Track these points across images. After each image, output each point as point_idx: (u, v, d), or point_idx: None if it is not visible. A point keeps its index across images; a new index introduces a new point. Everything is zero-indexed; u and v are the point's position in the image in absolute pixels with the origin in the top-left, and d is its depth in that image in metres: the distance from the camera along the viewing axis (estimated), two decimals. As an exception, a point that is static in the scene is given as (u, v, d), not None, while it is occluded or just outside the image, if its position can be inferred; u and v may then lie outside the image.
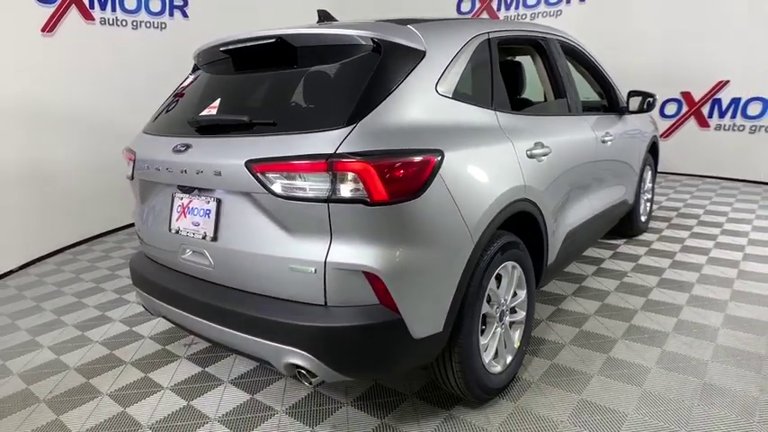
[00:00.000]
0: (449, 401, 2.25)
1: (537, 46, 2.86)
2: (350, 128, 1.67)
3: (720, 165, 6.43)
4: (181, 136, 2.04)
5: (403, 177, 1.66)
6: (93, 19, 5.10)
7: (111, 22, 5.26)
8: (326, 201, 1.63)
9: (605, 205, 3.33)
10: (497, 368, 2.21)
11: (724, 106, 6.33)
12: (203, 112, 2.00)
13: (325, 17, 2.47)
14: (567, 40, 3.18)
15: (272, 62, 2.08)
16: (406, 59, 1.87)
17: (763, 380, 2.30)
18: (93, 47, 5.12)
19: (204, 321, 1.98)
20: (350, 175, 1.60)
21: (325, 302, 1.73)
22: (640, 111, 3.62)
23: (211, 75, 2.35)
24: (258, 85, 2.20)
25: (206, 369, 2.66)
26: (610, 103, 3.62)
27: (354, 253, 1.65)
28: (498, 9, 7.80)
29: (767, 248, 3.97)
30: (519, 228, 2.27)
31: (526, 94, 3.00)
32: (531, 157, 2.28)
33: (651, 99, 3.63)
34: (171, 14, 5.72)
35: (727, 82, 6.24)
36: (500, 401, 2.24)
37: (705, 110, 6.48)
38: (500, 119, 2.22)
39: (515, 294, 2.32)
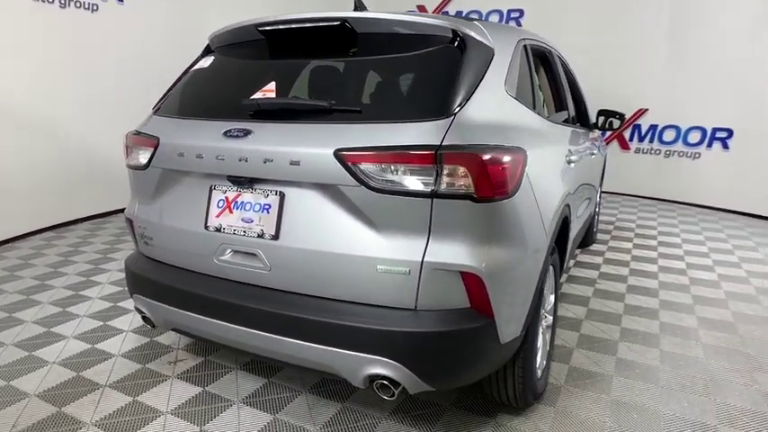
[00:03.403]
0: (489, 409, 2.19)
1: (543, 57, 2.96)
2: (449, 120, 1.57)
3: (638, 184, 7.15)
4: (230, 119, 1.79)
5: (506, 173, 1.60)
6: (15, -8, 4.43)
7: None
8: (431, 195, 1.51)
9: (587, 215, 3.52)
10: (538, 372, 2.20)
11: (643, 132, 7.07)
12: (257, 96, 1.77)
13: (360, 6, 2.34)
14: (558, 52, 3.33)
15: (329, 46, 1.91)
16: (485, 55, 1.82)
17: (755, 372, 2.54)
18: (14, 25, 4.45)
19: (252, 331, 1.73)
20: (459, 169, 1.50)
21: (416, 306, 1.59)
22: (608, 128, 3.89)
23: (246, 57, 2.10)
24: (315, 69, 2.01)
25: (207, 389, 2.34)
26: (580, 117, 3.85)
27: (455, 252, 1.55)
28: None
29: (702, 258, 4.46)
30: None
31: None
32: (568, 162, 2.34)
33: (619, 118, 3.90)
34: None
35: (647, 110, 6.99)
36: (539, 407, 2.23)
37: (627, 134, 7.20)
38: (544, 123, 2.25)
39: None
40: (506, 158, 1.61)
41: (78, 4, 4.96)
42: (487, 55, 1.84)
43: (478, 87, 1.72)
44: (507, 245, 1.64)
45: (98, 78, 5.26)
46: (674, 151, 6.85)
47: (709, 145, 6.55)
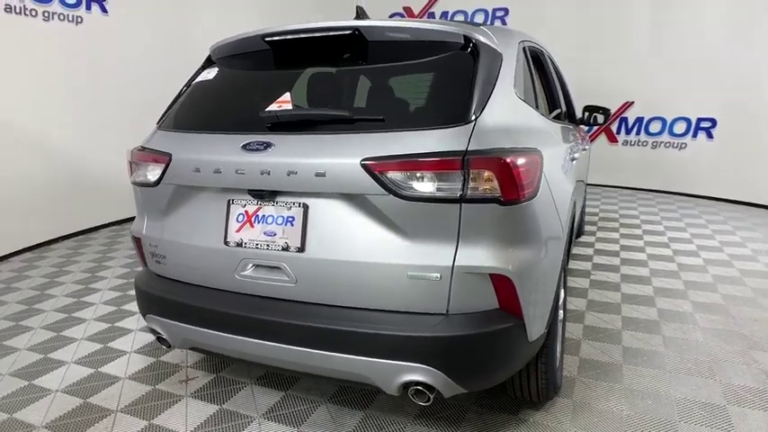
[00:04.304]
0: (510, 406, 2.22)
1: (537, 57, 3.01)
2: (470, 125, 1.59)
3: (625, 176, 7.26)
4: (247, 132, 1.76)
5: (529, 175, 1.62)
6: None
7: (18, 11, 4.47)
8: (459, 200, 1.52)
9: (580, 208, 3.60)
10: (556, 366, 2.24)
11: (630, 124, 7.19)
12: (272, 108, 1.75)
13: (362, 14, 2.33)
14: (548, 51, 3.40)
15: (339, 56, 1.91)
16: (495, 60, 1.84)
17: (752, 351, 2.65)
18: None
19: (281, 346, 1.71)
20: (485, 173, 1.52)
21: (447, 311, 1.60)
22: (593, 123, 3.99)
23: (253, 68, 2.07)
24: (327, 78, 1.99)
25: (224, 406, 2.30)
26: (568, 113, 3.93)
27: (484, 255, 1.56)
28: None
29: (686, 244, 4.62)
30: None
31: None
32: (572, 160, 2.39)
33: (603, 113, 4.00)
34: (88, 8, 5.05)
35: (632, 103, 7.11)
36: (558, 400, 2.27)
37: (614, 127, 7.31)
38: (547, 123, 2.29)
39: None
40: (528, 160, 1.64)
41: (62, 17, 4.86)
42: (497, 59, 1.87)
43: (493, 92, 1.74)
44: (532, 245, 1.66)
45: (83, 92, 5.17)
46: (661, 142, 6.98)
47: (695, 135, 6.70)
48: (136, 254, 2.26)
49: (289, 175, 1.64)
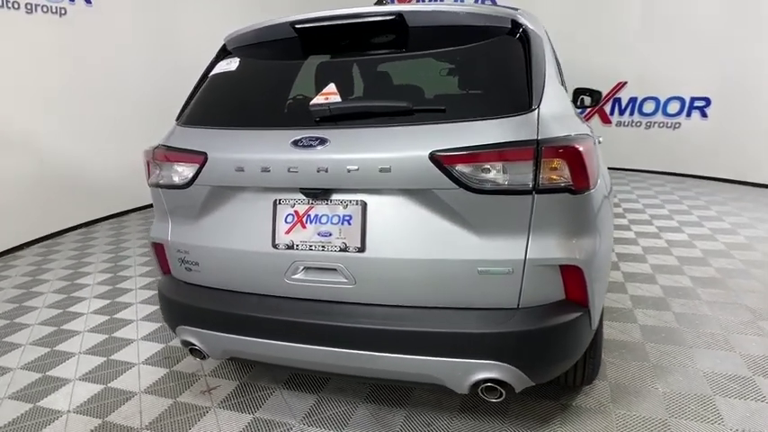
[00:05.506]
0: (550, 393, 2.23)
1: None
2: (534, 113, 1.54)
3: (619, 157, 7.13)
4: (294, 127, 1.64)
5: (594, 163, 1.60)
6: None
7: (0, 4, 4.32)
8: (532, 191, 1.48)
9: None
10: (595, 350, 2.26)
11: (623, 105, 7.15)
12: (319, 100, 1.63)
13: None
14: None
15: (378, 43, 1.80)
16: (541, 44, 1.80)
17: (759, 322, 2.78)
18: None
19: (342, 351, 1.63)
20: (558, 162, 1.48)
21: (518, 305, 1.57)
22: (583, 106, 4.03)
23: (279, 57, 1.94)
24: (365, 67, 1.88)
25: (257, 415, 2.19)
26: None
27: (555, 246, 1.53)
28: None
29: (667, 220, 4.80)
30: None
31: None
32: (598, 143, 2.39)
33: (590, 95, 4.04)
34: None
35: (625, 83, 7.07)
36: (594, 383, 2.29)
37: (607, 108, 7.27)
38: (575, 108, 2.28)
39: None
40: (590, 147, 1.61)
41: (45, 9, 4.69)
42: (542, 43, 1.83)
43: (546, 77, 1.70)
44: (595, 233, 1.65)
45: (69, 84, 5.00)
46: (655, 122, 6.96)
47: (689, 114, 6.71)
48: (155, 261, 2.10)
49: (349, 171, 1.54)
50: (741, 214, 4.94)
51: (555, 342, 1.60)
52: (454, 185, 1.48)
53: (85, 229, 5.40)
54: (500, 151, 1.47)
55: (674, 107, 6.86)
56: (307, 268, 1.68)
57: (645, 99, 7.06)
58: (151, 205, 1.99)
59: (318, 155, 1.57)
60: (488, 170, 1.48)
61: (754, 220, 4.71)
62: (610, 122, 7.35)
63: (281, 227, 1.67)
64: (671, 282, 3.38)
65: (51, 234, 5.08)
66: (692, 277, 3.44)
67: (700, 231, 4.44)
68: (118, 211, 5.80)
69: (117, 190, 5.62)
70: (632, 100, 7.14)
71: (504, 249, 1.52)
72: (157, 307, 3.29)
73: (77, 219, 5.36)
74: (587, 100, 3.90)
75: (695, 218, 4.87)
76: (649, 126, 7.07)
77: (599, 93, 3.87)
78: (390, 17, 1.70)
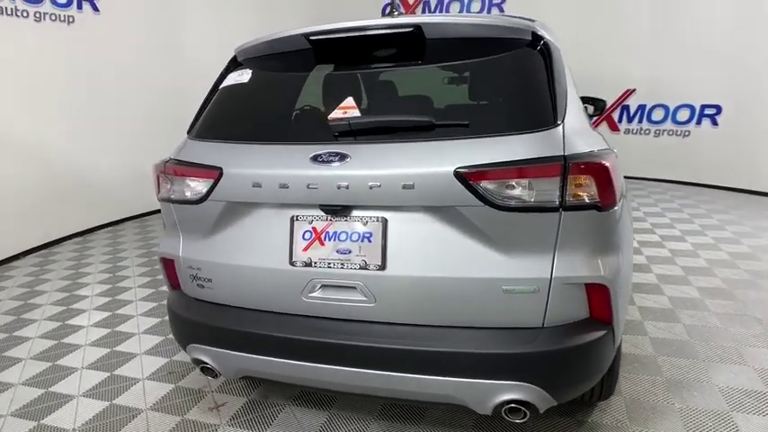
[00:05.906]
0: (565, 409, 2.19)
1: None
2: (559, 128, 1.52)
3: (629, 166, 6.85)
4: (312, 142, 1.60)
5: (619, 178, 1.58)
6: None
7: (9, 12, 4.34)
8: (559, 208, 1.45)
9: None
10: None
11: (632, 112, 7.07)
12: (337, 114, 1.60)
13: (392, 10, 2.20)
14: None
15: (397, 55, 1.78)
16: (560, 57, 1.78)
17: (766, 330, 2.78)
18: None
19: (362, 371, 1.59)
20: (585, 179, 1.46)
21: (543, 324, 1.54)
22: (589, 115, 4.02)
23: (293, 70, 1.90)
24: (381, 81, 1.85)
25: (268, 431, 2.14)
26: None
27: (581, 264, 1.50)
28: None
29: (670, 229, 4.80)
30: None
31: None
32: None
33: (593, 104, 4.02)
34: (80, 7, 4.90)
35: (634, 90, 6.98)
36: (610, 399, 2.27)
37: (616, 116, 7.18)
38: (589, 119, 2.26)
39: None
40: (615, 163, 1.59)
41: (54, 17, 4.71)
42: (561, 56, 1.81)
43: (568, 90, 1.68)
44: (620, 250, 1.62)
45: (70, 93, 5.00)
46: (664, 130, 6.87)
47: (699, 122, 6.58)
48: (163, 276, 2.05)
49: (371, 188, 1.51)
50: (743, 223, 4.96)
51: (580, 361, 1.57)
52: (479, 202, 1.45)
53: (81, 237, 5.32)
54: (527, 168, 1.44)
55: (683, 115, 6.72)
56: (325, 286, 1.64)
57: (654, 106, 6.93)
58: (147, 214, 1.95)
59: (339, 171, 1.53)
60: (514, 187, 1.45)
61: (756, 229, 4.72)
62: (618, 130, 7.24)
63: (299, 244, 1.64)
64: (678, 292, 3.37)
65: (47, 243, 5.00)
66: (699, 288, 3.43)
67: (703, 240, 4.44)
68: (113, 219, 5.72)
69: (113, 198, 5.55)
70: (641, 107, 7.02)
71: (530, 268, 1.50)
72: (160, 320, 3.26)
73: (73, 228, 5.28)
74: (590, 109, 3.90)
75: (697, 227, 4.87)
76: (658, 134, 6.96)
77: (603, 101, 3.86)
78: (408, 29, 1.68)
